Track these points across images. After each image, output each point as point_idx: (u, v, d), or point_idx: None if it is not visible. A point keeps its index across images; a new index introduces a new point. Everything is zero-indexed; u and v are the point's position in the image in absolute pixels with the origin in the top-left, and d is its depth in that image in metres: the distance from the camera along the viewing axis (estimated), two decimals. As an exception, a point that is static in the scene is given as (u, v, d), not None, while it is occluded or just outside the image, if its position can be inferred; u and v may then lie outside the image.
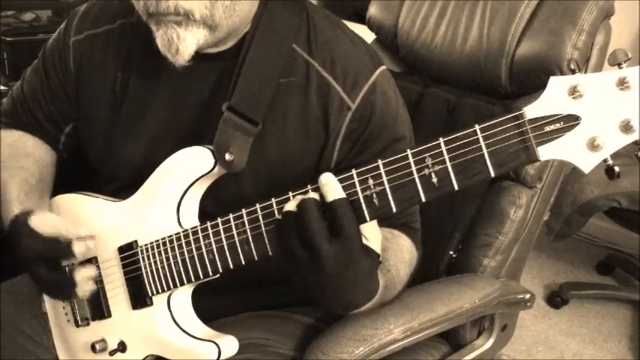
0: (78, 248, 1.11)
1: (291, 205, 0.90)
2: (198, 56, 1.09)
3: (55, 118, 1.30)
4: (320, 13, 1.19)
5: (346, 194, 0.88)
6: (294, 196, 0.93)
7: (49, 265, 1.12)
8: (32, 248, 1.11)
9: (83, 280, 1.14)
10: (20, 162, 1.28)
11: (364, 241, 0.90)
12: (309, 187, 0.92)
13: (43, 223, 1.12)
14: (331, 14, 1.21)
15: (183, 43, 1.04)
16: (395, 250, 1.11)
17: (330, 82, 1.13)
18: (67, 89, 1.27)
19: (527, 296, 1.35)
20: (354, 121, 1.13)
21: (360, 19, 1.87)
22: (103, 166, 1.26)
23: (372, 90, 1.14)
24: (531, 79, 1.44)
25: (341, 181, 0.89)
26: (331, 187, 0.88)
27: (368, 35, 1.57)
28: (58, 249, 1.11)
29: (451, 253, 1.45)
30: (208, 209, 1.10)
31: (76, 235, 1.11)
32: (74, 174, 1.34)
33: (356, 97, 1.13)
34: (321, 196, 0.89)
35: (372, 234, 0.92)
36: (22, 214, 1.16)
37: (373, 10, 1.77)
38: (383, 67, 1.18)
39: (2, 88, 2.15)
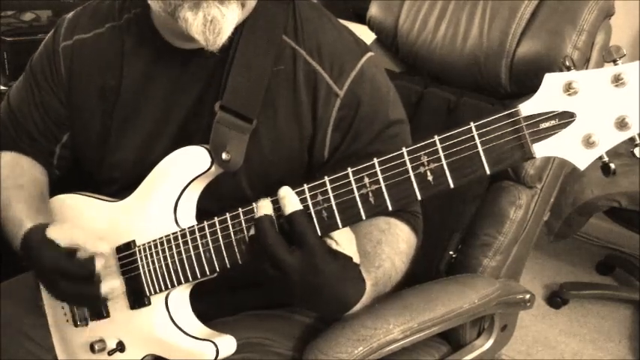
0: (99, 264, 1.10)
1: (252, 230, 0.93)
2: (190, 52, 1.10)
3: (51, 130, 1.29)
4: (305, 3, 1.20)
5: (342, 192, 0.89)
6: (273, 201, 0.95)
7: (72, 279, 1.10)
8: (53, 262, 1.09)
9: (109, 292, 1.12)
10: (19, 181, 1.27)
11: (334, 245, 0.93)
12: (268, 199, 0.94)
13: (62, 233, 1.11)
14: (317, 4, 1.21)
15: (225, 22, 1.03)
16: (390, 242, 1.11)
17: (317, 69, 1.13)
18: (60, 97, 1.26)
19: (527, 296, 1.34)
20: (344, 109, 1.13)
21: (360, 19, 1.87)
22: (99, 170, 1.26)
23: (359, 76, 1.14)
24: (531, 79, 1.44)
25: (337, 179, 0.89)
26: (288, 200, 0.91)
27: (368, 35, 1.57)
28: (80, 265, 1.10)
29: (451, 253, 1.45)
30: (205, 205, 1.10)
31: (95, 249, 1.10)
32: (72, 175, 1.35)
33: (343, 84, 1.13)
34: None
35: (342, 237, 0.94)
36: (36, 226, 1.15)
37: (373, 10, 1.78)
38: (370, 54, 1.18)
39: (2, 88, 2.15)
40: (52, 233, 1.11)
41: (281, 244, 0.90)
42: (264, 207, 0.93)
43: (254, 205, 0.97)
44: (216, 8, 1.02)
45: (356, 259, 0.97)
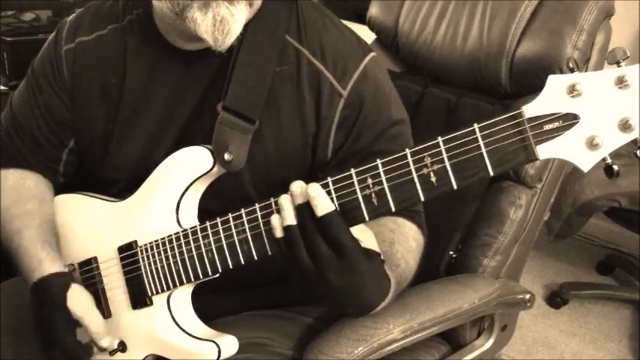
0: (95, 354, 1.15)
1: (290, 219, 0.88)
2: (193, 53, 1.09)
3: (55, 134, 1.28)
4: (308, 4, 1.20)
5: (345, 193, 0.88)
6: (275, 202, 0.93)
7: (67, 354, 1.12)
8: (61, 332, 1.11)
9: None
10: (27, 206, 1.24)
11: (361, 244, 0.90)
12: (289, 200, 0.90)
13: (80, 306, 1.12)
14: (319, 4, 1.22)
15: (234, 22, 1.03)
16: (401, 241, 1.10)
17: (320, 69, 1.14)
18: (64, 100, 1.25)
19: (527, 296, 1.35)
20: (347, 108, 1.14)
21: (360, 19, 1.87)
22: (102, 171, 1.26)
23: (363, 76, 1.14)
24: (531, 79, 1.44)
25: (340, 180, 0.89)
26: (320, 200, 0.86)
27: (368, 35, 1.57)
28: (81, 350, 1.13)
29: (451, 253, 1.45)
30: (207, 205, 1.11)
31: (99, 342, 1.13)
32: (75, 175, 1.34)
33: (347, 84, 1.13)
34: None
35: (363, 234, 0.92)
36: (57, 277, 1.14)
37: (373, 11, 1.78)
38: (373, 54, 1.18)
39: (2, 88, 2.15)
40: (73, 302, 1.12)
41: (323, 243, 0.86)
42: (288, 218, 0.89)
43: (256, 205, 0.97)
44: (225, 8, 1.02)
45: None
